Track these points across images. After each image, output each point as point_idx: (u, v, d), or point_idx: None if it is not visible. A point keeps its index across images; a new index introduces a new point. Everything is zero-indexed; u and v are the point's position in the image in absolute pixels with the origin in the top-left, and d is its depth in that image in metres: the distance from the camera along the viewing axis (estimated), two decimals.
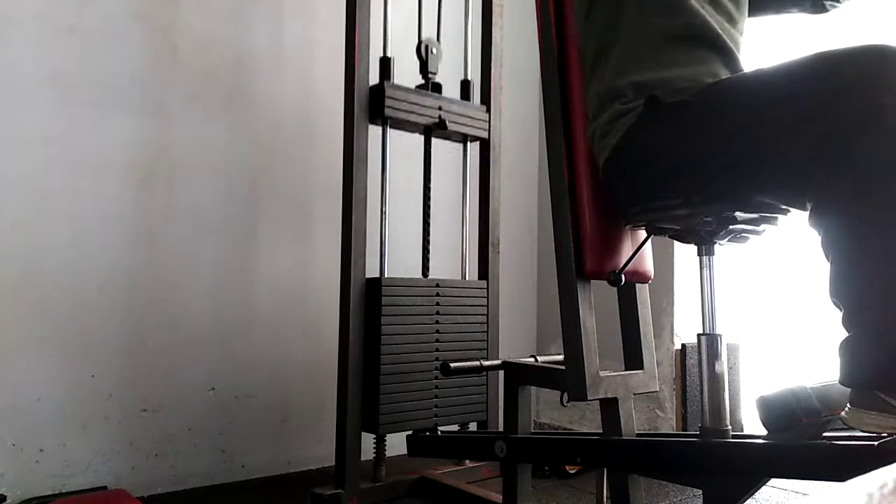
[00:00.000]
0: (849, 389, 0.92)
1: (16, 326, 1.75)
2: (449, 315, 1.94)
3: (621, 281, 1.19)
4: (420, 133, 2.03)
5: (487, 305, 2.04)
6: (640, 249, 1.23)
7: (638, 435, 1.26)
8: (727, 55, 1.17)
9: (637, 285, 1.34)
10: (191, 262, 2.02)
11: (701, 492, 1.16)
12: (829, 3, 1.35)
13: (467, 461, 2.04)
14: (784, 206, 1.10)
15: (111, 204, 1.90)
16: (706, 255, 1.17)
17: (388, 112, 1.82)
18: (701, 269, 1.17)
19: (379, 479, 1.87)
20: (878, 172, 0.87)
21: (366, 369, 1.81)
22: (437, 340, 1.91)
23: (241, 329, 2.10)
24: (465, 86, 2.11)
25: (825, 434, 1.01)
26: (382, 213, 1.91)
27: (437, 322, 1.91)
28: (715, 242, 1.17)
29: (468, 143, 2.11)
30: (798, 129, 0.94)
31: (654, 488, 1.99)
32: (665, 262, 2.34)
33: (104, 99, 1.90)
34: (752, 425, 2.29)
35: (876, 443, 0.90)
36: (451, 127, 1.97)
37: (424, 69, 1.99)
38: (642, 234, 1.28)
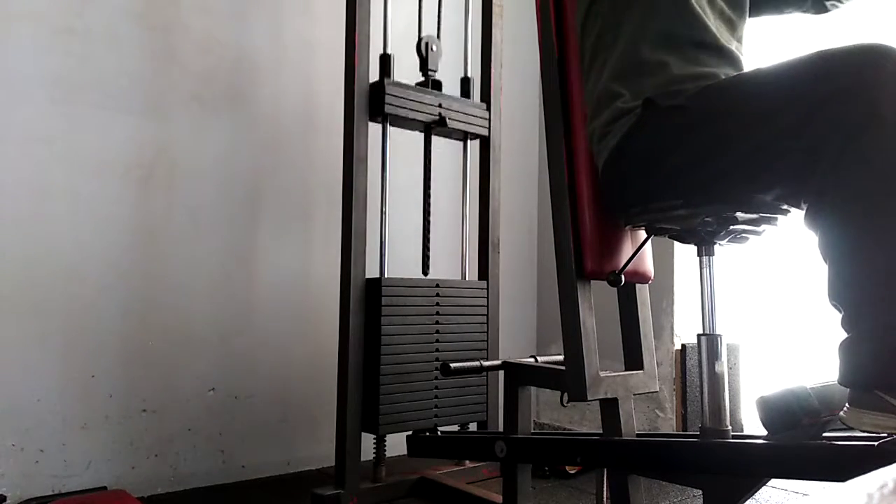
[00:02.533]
0: (848, 389, 0.92)
1: (16, 326, 1.75)
2: (449, 315, 1.94)
3: (621, 281, 1.19)
4: (420, 130, 2.02)
5: (487, 305, 2.04)
6: (640, 250, 1.23)
7: (638, 435, 1.26)
8: (729, 59, 1.17)
9: (637, 285, 1.34)
10: (191, 261, 2.02)
11: (701, 492, 1.16)
12: (830, 3, 1.34)
13: (467, 461, 2.04)
14: (784, 207, 1.10)
15: (111, 204, 1.90)
16: (706, 255, 1.17)
17: (388, 109, 1.82)
18: (701, 269, 1.17)
19: (379, 479, 1.87)
20: (875, 173, 0.87)
21: (366, 369, 1.80)
22: (437, 340, 1.91)
23: (241, 329, 2.10)
24: (465, 83, 2.10)
25: (825, 434, 1.01)
26: (382, 212, 1.91)
27: (437, 322, 1.91)
28: (715, 243, 1.17)
29: (468, 140, 2.11)
30: (795, 130, 0.94)
31: (654, 488, 1.99)
32: (665, 263, 2.34)
33: (104, 99, 1.90)
34: (752, 425, 2.29)
35: (876, 443, 0.90)
36: (452, 124, 1.97)
37: (424, 66, 1.98)
38: (642, 234, 1.28)
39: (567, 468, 2.11)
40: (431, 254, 2.04)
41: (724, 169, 1.03)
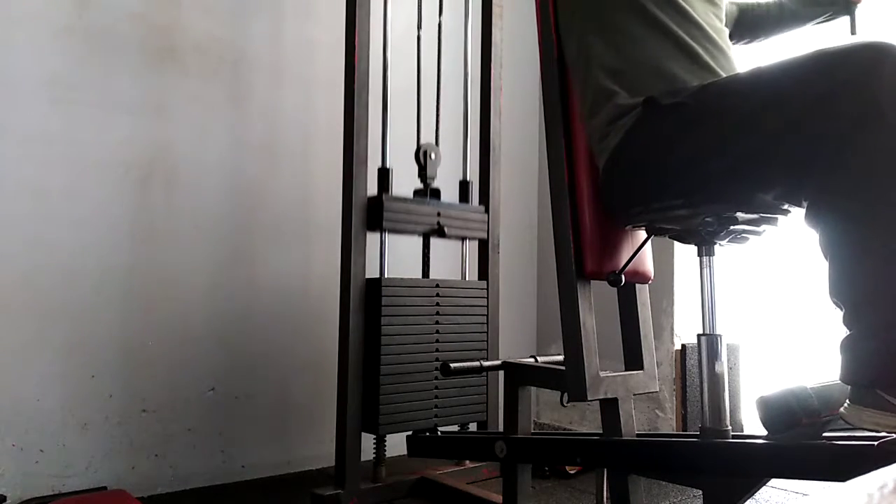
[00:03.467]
0: (849, 387, 0.92)
1: (16, 326, 1.75)
2: (449, 315, 1.94)
3: (621, 281, 1.19)
4: (419, 236, 2.02)
5: (487, 305, 2.04)
6: (640, 250, 1.23)
7: (638, 435, 1.26)
8: (719, 52, 1.17)
9: (637, 286, 1.34)
10: (191, 261, 2.02)
11: (701, 492, 1.16)
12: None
13: (467, 461, 2.04)
14: (785, 206, 1.10)
15: (111, 204, 1.90)
16: (706, 255, 1.17)
17: (386, 224, 1.83)
18: (701, 269, 1.17)
19: (379, 479, 1.87)
20: (875, 169, 0.87)
21: (366, 369, 1.80)
22: (437, 341, 1.91)
23: (240, 329, 2.10)
24: (464, 187, 2.10)
25: (825, 434, 1.01)
26: None
27: (437, 322, 1.91)
28: (715, 243, 1.16)
29: (467, 241, 2.10)
30: (795, 128, 0.94)
31: (654, 488, 1.99)
32: (665, 263, 2.34)
33: (104, 99, 1.90)
34: (752, 425, 2.29)
35: (876, 443, 0.90)
36: (450, 232, 1.97)
37: (423, 174, 1.99)
38: (642, 234, 1.28)
39: (567, 468, 2.11)
40: (431, 254, 2.04)
41: (725, 167, 1.03)
